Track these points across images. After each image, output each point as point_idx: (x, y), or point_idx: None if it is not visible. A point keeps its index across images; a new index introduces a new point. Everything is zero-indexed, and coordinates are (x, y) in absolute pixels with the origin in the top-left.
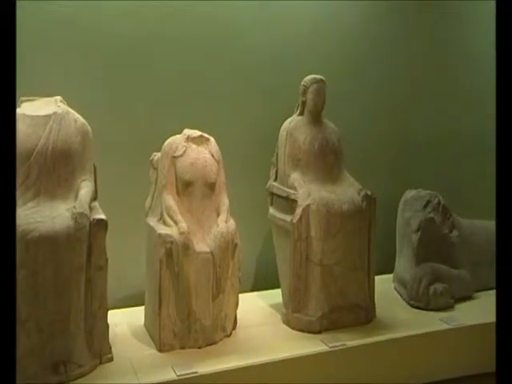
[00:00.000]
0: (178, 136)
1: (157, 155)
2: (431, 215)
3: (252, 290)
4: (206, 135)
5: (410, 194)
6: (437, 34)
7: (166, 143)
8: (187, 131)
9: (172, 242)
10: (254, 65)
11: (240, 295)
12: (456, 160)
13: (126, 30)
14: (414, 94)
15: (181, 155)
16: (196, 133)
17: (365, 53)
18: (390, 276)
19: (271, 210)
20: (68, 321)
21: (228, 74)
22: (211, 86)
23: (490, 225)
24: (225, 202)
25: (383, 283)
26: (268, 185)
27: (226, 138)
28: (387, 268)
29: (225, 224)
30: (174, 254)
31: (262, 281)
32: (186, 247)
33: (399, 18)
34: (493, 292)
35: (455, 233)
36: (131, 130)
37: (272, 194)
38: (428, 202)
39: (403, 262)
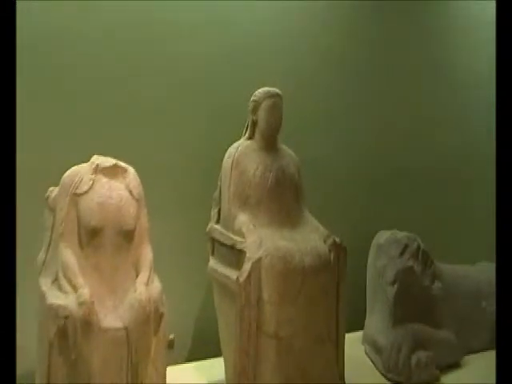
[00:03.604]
0: (83, 165)
1: (54, 191)
2: (410, 263)
3: (188, 361)
4: (123, 164)
5: (383, 236)
6: (419, 58)
7: (65, 175)
8: (96, 159)
9: (67, 317)
10: (194, 75)
11: (173, 368)
12: (435, 197)
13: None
14: (388, 125)
15: (85, 192)
16: (108, 161)
17: (333, 68)
18: (358, 334)
19: (212, 262)
20: None
21: (159, 84)
22: (135, 99)
23: (475, 271)
24: (147, 255)
25: (351, 344)
26: (208, 228)
27: (151, 167)
28: (354, 325)
29: (145, 288)
30: (69, 334)
31: (202, 348)
32: (88, 324)
33: (373, 38)
34: (482, 355)
35: (437, 284)
36: (19, 155)
37: (213, 240)
38: (405, 246)
39: (376, 321)
